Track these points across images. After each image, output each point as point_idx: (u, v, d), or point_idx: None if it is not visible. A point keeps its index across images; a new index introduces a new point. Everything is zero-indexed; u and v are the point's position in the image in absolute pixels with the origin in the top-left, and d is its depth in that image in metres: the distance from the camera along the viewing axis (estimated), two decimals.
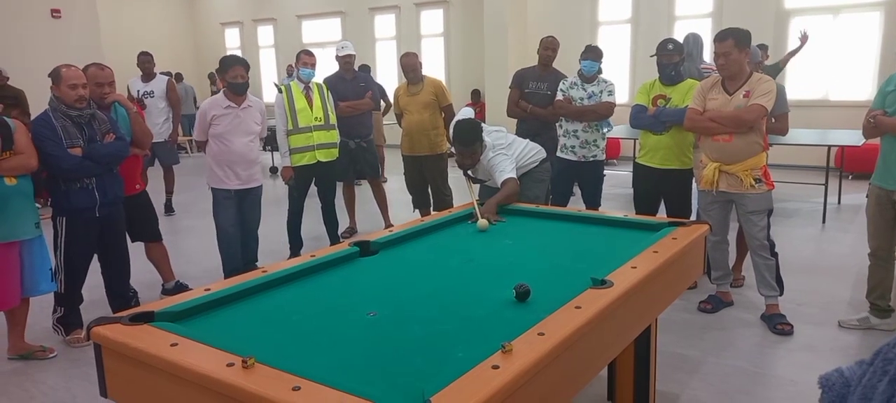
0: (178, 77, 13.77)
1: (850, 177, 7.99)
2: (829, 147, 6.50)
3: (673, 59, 4.29)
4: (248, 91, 4.74)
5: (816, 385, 0.91)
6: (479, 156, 3.82)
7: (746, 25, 3.81)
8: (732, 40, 3.65)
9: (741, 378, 3.25)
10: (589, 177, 5.09)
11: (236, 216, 4.78)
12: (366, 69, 7.17)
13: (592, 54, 4.99)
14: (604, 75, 5.08)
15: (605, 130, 5.07)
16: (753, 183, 3.75)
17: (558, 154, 5.06)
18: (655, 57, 4.35)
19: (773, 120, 4.42)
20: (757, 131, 3.73)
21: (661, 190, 4.45)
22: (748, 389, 3.16)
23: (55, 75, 3.69)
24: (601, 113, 4.91)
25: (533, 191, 4.05)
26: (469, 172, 3.91)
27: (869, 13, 8.72)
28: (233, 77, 4.58)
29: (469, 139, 3.75)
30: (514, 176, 3.71)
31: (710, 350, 3.58)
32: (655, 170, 4.36)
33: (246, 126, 4.65)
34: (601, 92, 4.94)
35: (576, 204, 5.13)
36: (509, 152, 3.88)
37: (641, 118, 4.35)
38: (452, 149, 5.94)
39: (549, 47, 5.41)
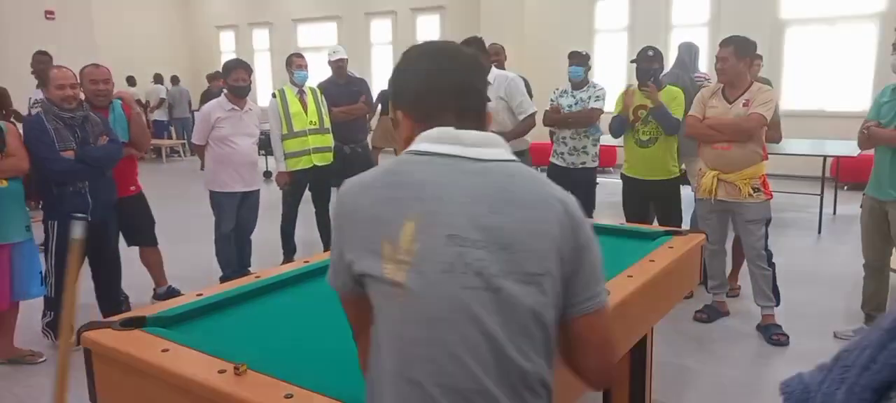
0: (174, 79, 13.72)
1: (845, 188, 8.00)
2: (825, 157, 6.51)
3: (653, 65, 4.32)
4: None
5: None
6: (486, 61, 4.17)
7: (743, 34, 3.80)
8: (733, 47, 3.67)
9: (737, 389, 3.24)
10: (579, 183, 5.03)
11: (236, 220, 4.77)
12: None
13: (577, 60, 4.89)
14: (597, 81, 5.06)
15: (596, 136, 5.01)
16: (752, 192, 3.75)
17: (550, 159, 5.05)
18: (635, 63, 4.40)
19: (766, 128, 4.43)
20: (756, 140, 3.73)
21: (649, 199, 4.47)
22: (744, 400, 3.14)
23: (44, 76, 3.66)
24: (585, 120, 4.82)
25: None
26: None
27: (865, 24, 8.76)
28: (235, 80, 4.59)
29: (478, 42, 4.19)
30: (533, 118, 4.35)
31: (705, 360, 3.57)
32: (642, 181, 4.39)
33: (248, 128, 4.71)
34: (589, 98, 4.87)
35: None
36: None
37: (617, 127, 4.49)
38: None
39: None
